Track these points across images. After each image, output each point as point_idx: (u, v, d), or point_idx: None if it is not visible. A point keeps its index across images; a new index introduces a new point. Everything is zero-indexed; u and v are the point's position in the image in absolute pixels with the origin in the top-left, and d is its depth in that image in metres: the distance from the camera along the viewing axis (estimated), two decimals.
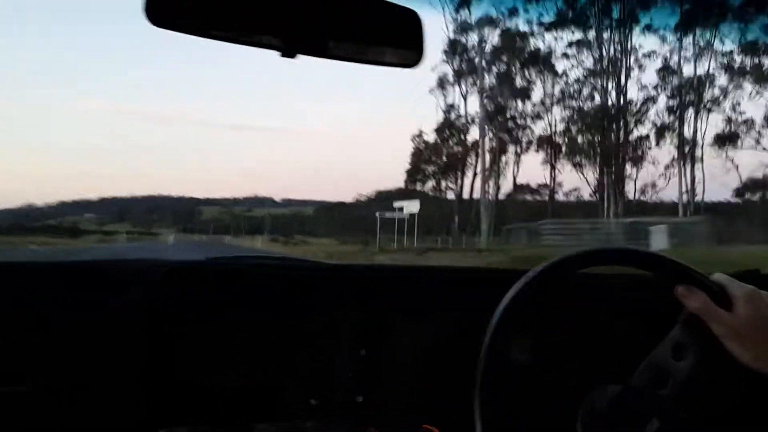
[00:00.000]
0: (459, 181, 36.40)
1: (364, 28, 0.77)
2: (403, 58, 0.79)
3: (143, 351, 0.97)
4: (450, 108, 35.95)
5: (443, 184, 37.37)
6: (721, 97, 31.43)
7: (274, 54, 0.73)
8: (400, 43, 0.78)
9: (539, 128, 36.70)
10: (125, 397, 0.96)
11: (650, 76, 36.77)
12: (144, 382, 0.96)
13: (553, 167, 36.20)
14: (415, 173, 38.05)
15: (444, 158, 36.76)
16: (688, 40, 31.21)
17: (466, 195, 35.71)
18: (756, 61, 29.62)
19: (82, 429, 0.95)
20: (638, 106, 32.95)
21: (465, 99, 35.77)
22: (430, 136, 37.37)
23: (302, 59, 0.74)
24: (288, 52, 0.74)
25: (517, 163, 36.98)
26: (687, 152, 31.76)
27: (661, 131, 32.67)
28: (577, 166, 33.63)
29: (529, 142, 36.21)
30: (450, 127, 36.21)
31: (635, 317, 1.03)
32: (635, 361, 0.74)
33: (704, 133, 31.67)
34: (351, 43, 0.77)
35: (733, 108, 31.33)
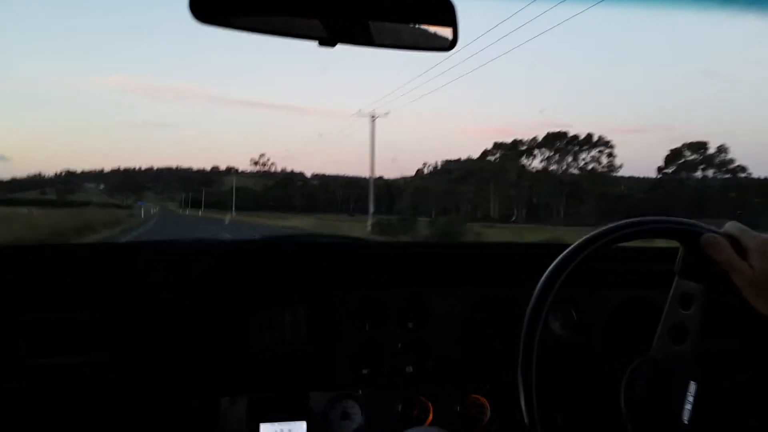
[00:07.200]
0: None
1: (400, 13, 0.78)
2: (437, 42, 0.80)
3: (206, 324, 1.02)
4: None
5: None
6: None
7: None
8: (434, 28, 0.79)
9: None
10: (189, 367, 1.02)
11: None
12: (206, 354, 1.02)
13: None
14: None
15: None
16: None
17: None
18: None
19: (149, 397, 1.01)
20: None
21: None
22: None
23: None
24: (327, 41, 0.76)
25: None
26: None
27: None
28: None
29: None
30: None
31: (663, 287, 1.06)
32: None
33: None
34: (389, 30, 0.78)
35: None
